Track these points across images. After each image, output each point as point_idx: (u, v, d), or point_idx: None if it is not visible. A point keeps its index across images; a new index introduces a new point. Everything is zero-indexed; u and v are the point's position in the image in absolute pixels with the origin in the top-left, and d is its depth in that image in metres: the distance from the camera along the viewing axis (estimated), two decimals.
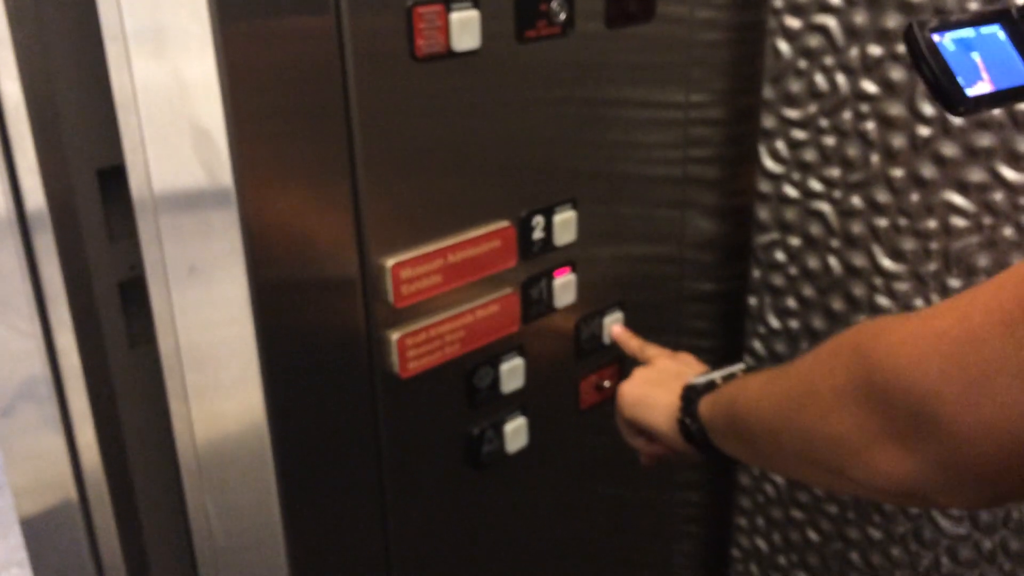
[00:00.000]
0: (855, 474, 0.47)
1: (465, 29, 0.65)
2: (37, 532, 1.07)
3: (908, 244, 0.84)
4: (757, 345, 0.98)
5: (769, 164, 0.91)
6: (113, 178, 0.79)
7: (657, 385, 0.73)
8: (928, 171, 0.81)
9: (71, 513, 0.95)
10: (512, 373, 0.78)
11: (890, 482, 0.45)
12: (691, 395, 0.68)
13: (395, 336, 0.69)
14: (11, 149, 0.79)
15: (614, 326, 0.84)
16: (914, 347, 0.43)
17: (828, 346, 0.50)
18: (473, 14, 0.66)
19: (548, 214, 0.76)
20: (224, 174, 0.59)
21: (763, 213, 0.93)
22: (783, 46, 0.86)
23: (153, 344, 0.81)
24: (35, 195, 0.77)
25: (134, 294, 0.83)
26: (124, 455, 0.87)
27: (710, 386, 0.69)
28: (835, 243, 0.89)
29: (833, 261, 0.90)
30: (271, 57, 0.58)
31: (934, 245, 0.83)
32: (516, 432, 0.80)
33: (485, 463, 0.79)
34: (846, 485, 0.49)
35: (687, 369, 0.75)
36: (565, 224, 0.78)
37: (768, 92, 0.89)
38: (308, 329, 0.65)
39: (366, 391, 0.70)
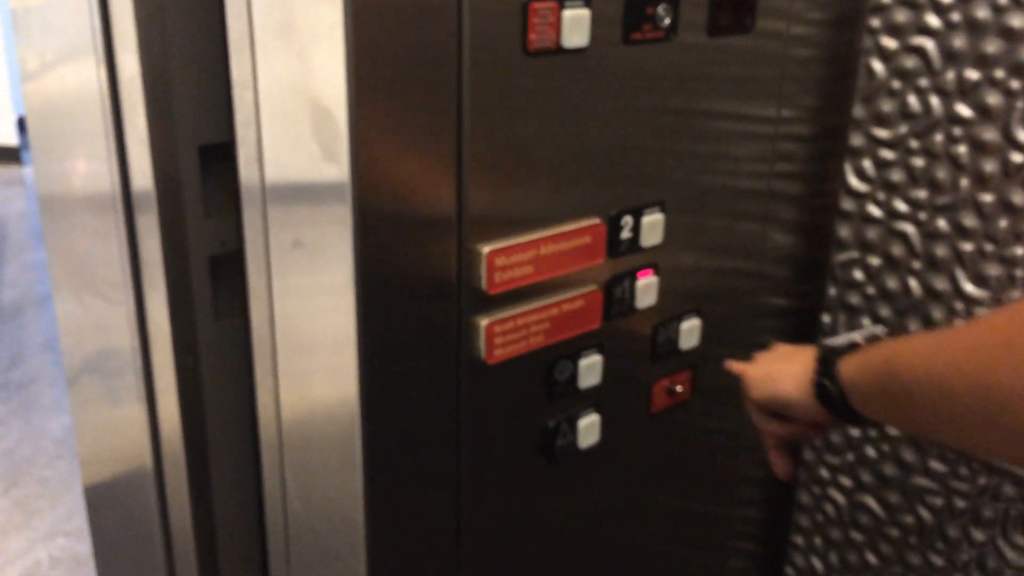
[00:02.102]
0: None
1: (576, 27, 0.67)
2: (101, 501, 1.10)
3: (993, 270, 0.84)
4: None
5: (853, 182, 0.91)
6: (213, 155, 0.81)
7: (783, 359, 0.73)
8: (1019, 197, 0.81)
9: (143, 483, 0.98)
10: (590, 369, 0.79)
11: None
12: (830, 356, 0.67)
13: (484, 322, 0.70)
14: (122, 122, 0.82)
15: (732, 363, 0.82)
16: None
17: (1017, 303, 0.48)
18: (584, 12, 0.67)
19: (637, 215, 0.78)
20: (342, 153, 0.61)
21: (844, 231, 0.93)
22: (877, 66, 0.87)
23: (237, 318, 0.83)
24: (142, 167, 0.80)
25: (223, 268, 0.86)
26: (204, 426, 0.90)
27: (851, 347, 0.67)
28: (917, 265, 0.89)
29: (913, 283, 0.90)
30: (394, 40, 0.60)
31: (1020, 272, 0.83)
32: (589, 428, 0.81)
33: (558, 456, 0.80)
34: (1017, 449, 0.47)
35: (808, 348, 0.74)
36: (653, 226, 0.79)
37: (859, 111, 0.89)
38: (404, 311, 0.67)
39: (452, 375, 0.71)
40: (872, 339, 0.68)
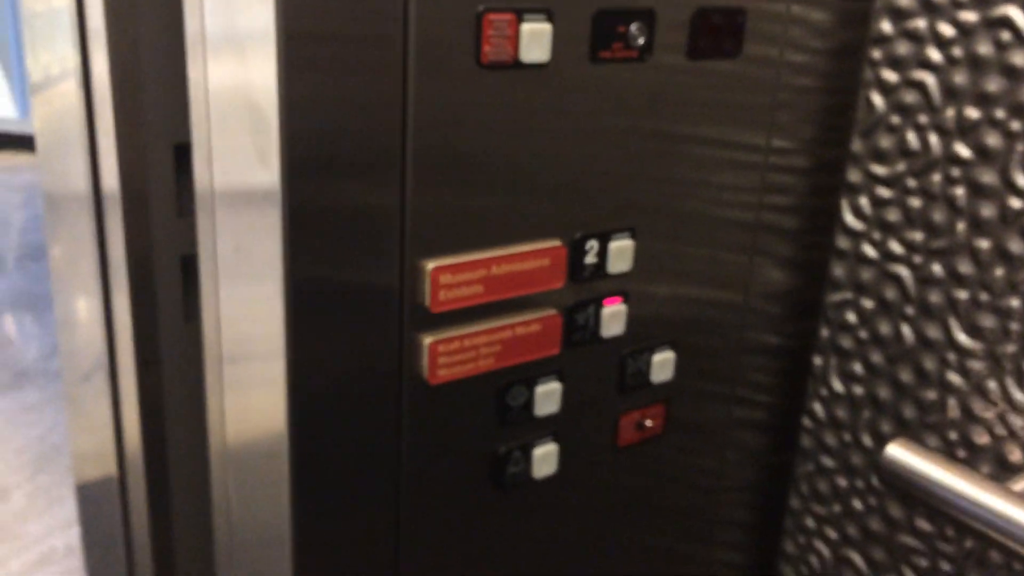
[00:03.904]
0: None
1: (535, 41, 0.65)
2: (85, 499, 1.11)
3: (987, 321, 0.79)
4: (817, 407, 0.94)
5: (850, 220, 0.87)
6: (188, 154, 0.81)
7: None
8: (1016, 246, 0.76)
9: (109, 485, 0.97)
10: (548, 396, 0.76)
11: None
12: None
13: (427, 340, 0.68)
14: (93, 117, 0.82)
15: None
16: None
17: None
18: (545, 27, 0.65)
19: (603, 239, 0.75)
20: (273, 157, 0.59)
21: (838, 270, 0.89)
22: (877, 99, 0.83)
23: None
24: (110, 164, 0.80)
25: (195, 269, 0.85)
26: (163, 430, 0.89)
27: None
28: (910, 310, 0.84)
29: (906, 329, 0.85)
30: (331, 43, 0.58)
31: (1015, 326, 0.78)
32: (545, 457, 0.78)
33: (509, 484, 0.77)
34: None
35: None
36: (621, 252, 0.76)
37: (857, 145, 0.85)
38: (339, 325, 0.65)
39: (392, 393, 0.69)
40: None
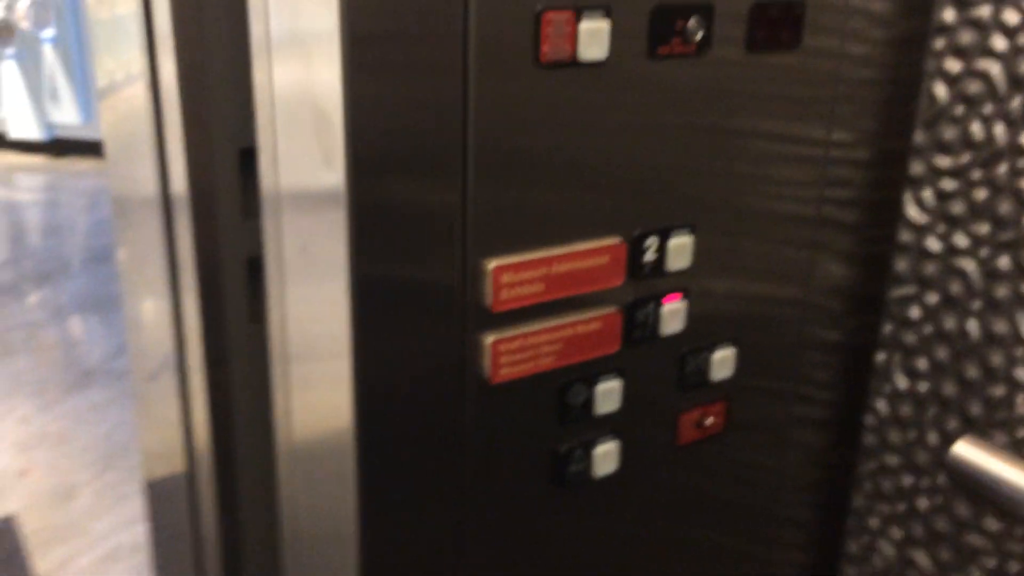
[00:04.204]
0: None
1: (594, 39, 0.65)
2: (154, 497, 1.13)
3: None
4: (881, 405, 0.92)
5: (913, 214, 0.86)
6: (252, 158, 0.82)
7: None
8: None
9: (178, 484, 1.00)
10: (608, 395, 0.76)
11: None
12: None
13: (489, 340, 0.68)
14: (162, 123, 0.84)
15: None
16: None
17: None
18: (604, 24, 0.65)
19: (663, 236, 0.75)
20: (338, 160, 0.60)
21: (901, 265, 0.88)
22: (940, 90, 0.81)
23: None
24: (178, 168, 0.82)
25: (261, 270, 0.87)
26: (232, 431, 0.91)
27: None
28: (976, 305, 0.83)
29: (972, 324, 0.83)
30: (394, 46, 0.59)
31: None
32: (606, 456, 0.78)
33: (570, 483, 0.77)
34: None
35: None
36: (680, 249, 0.76)
37: (920, 137, 0.84)
38: (402, 324, 0.66)
39: (455, 392, 0.70)
40: None
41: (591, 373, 0.75)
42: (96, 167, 5.04)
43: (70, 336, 3.18)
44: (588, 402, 0.76)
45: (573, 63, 0.65)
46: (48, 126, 5.16)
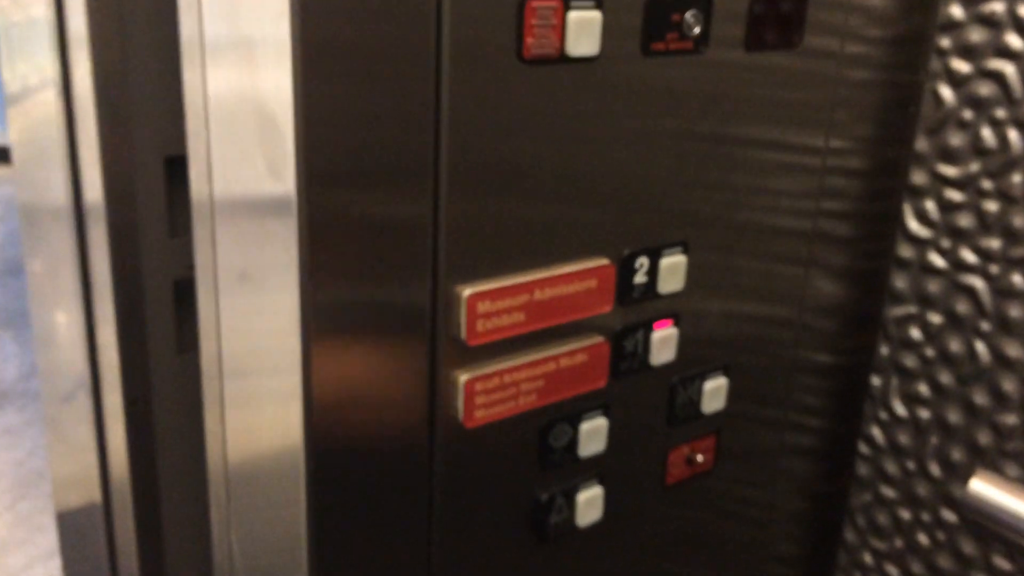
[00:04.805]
0: None
1: (584, 31, 0.56)
2: (66, 529, 1.02)
3: None
4: (876, 432, 0.85)
5: (913, 226, 0.79)
6: (182, 168, 0.72)
7: None
8: None
9: (93, 516, 0.89)
10: (593, 435, 0.68)
11: None
12: None
13: (463, 378, 0.59)
14: (75, 128, 0.73)
15: None
16: None
17: None
18: (595, 15, 0.56)
19: (654, 256, 0.66)
20: (287, 168, 0.50)
21: (900, 282, 0.81)
22: (946, 92, 0.75)
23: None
24: (93, 176, 0.71)
25: (190, 294, 0.76)
26: (154, 465, 0.80)
27: None
28: (986, 326, 0.76)
29: (981, 347, 0.77)
30: (355, 37, 0.49)
31: None
32: (590, 503, 0.69)
33: (552, 534, 0.68)
34: None
35: None
36: (672, 269, 0.67)
37: (922, 144, 0.77)
38: (363, 357, 0.56)
39: (423, 436, 0.60)
40: None
41: (575, 411, 0.66)
42: (10, 175, 4.81)
43: None
44: (572, 443, 0.67)
45: (561, 59, 0.56)
46: None
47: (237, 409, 0.63)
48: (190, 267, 0.75)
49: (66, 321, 0.85)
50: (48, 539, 2.10)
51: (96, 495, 0.87)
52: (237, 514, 0.67)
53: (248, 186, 0.55)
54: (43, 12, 0.71)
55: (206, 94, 0.57)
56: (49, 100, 0.75)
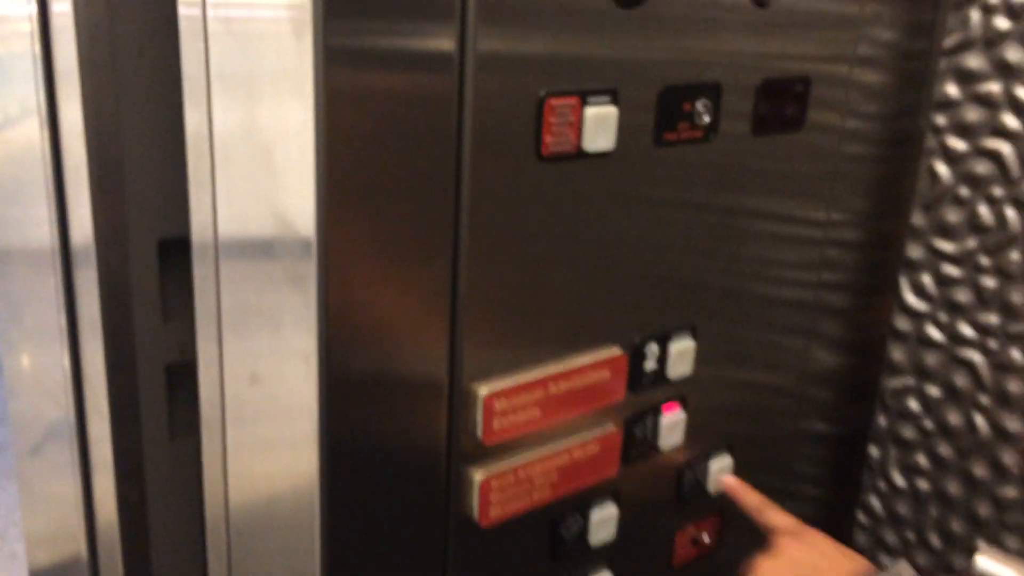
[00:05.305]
0: None
1: (600, 128, 0.56)
2: None
3: None
4: (874, 502, 0.85)
5: (910, 299, 0.79)
6: (174, 251, 0.70)
7: (807, 569, 0.61)
8: None
9: (77, 569, 0.85)
10: (603, 523, 0.67)
11: None
12: None
13: (479, 476, 0.58)
14: (66, 209, 0.71)
15: (726, 477, 0.72)
16: None
17: None
18: (611, 110, 0.56)
19: (663, 341, 0.66)
20: (309, 280, 0.49)
21: (897, 354, 0.81)
22: (942, 169, 0.75)
23: (195, 435, 0.71)
24: (88, 261, 0.69)
25: (181, 378, 0.74)
26: (148, 549, 0.77)
27: None
28: (984, 400, 0.77)
29: (980, 420, 0.77)
30: (377, 143, 0.48)
31: None
32: None
33: None
34: None
35: (827, 564, 0.62)
36: (682, 355, 0.67)
37: (918, 219, 0.78)
38: (380, 455, 0.55)
39: (438, 536, 0.59)
40: None
41: (586, 500, 0.65)
42: None
43: None
44: (583, 532, 0.66)
45: (578, 155, 0.55)
46: None
47: (245, 520, 0.61)
48: (183, 351, 0.73)
49: (36, 365, 0.82)
50: None
51: (75, 548, 0.84)
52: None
53: (261, 291, 0.53)
54: (27, 46, 0.68)
55: (214, 187, 0.56)
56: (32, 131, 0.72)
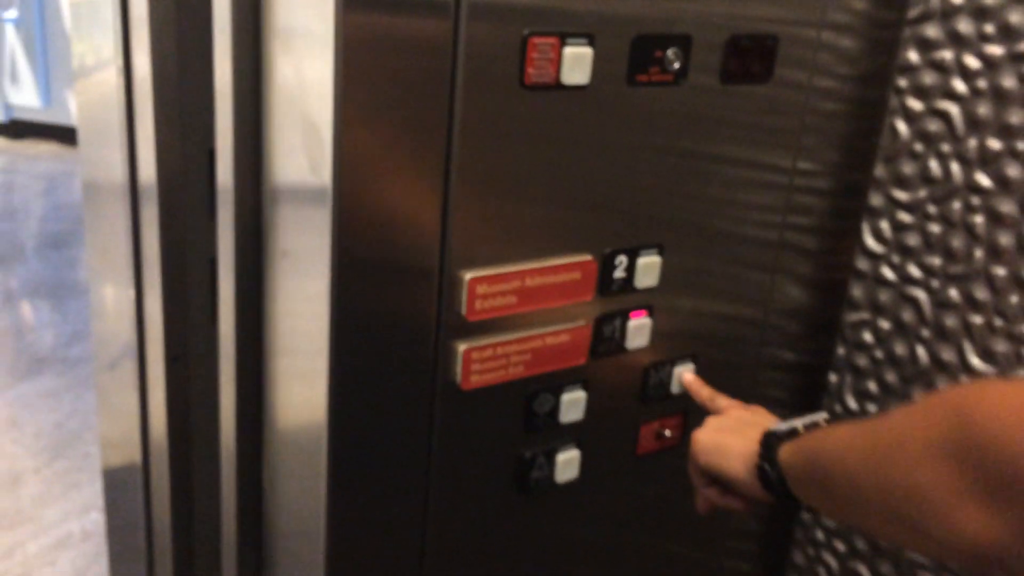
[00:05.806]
0: (936, 532, 0.46)
1: (577, 64, 0.68)
2: (111, 484, 1.13)
3: (1000, 345, 0.82)
4: None
5: (871, 243, 0.90)
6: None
7: (733, 432, 0.72)
8: None
9: (137, 473, 1.00)
10: (573, 404, 0.79)
11: (971, 544, 0.45)
12: (771, 441, 0.67)
13: (462, 347, 0.71)
14: (133, 120, 0.84)
15: (685, 373, 0.84)
16: (1018, 410, 0.43)
17: (925, 401, 0.49)
18: (586, 51, 0.68)
19: (632, 255, 0.77)
20: (325, 168, 0.62)
21: (856, 291, 0.92)
22: (901, 127, 0.85)
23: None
24: (148, 165, 0.83)
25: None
26: (189, 425, 0.91)
27: (792, 433, 0.67)
28: (926, 333, 0.87)
29: (921, 351, 0.87)
30: (386, 64, 0.61)
31: None
32: (568, 463, 0.81)
33: (532, 489, 0.80)
34: (926, 544, 0.48)
35: (761, 419, 0.74)
36: (648, 268, 0.79)
37: (880, 171, 0.88)
38: (381, 327, 0.68)
39: (426, 396, 0.72)
40: (812, 426, 0.68)
41: (558, 383, 0.78)
42: (54, 151, 4.96)
43: (22, 322, 3.14)
44: (554, 410, 0.78)
45: (557, 86, 0.67)
46: (7, 107, 5.08)
47: (273, 376, 0.75)
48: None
49: (117, 292, 0.97)
50: (83, 496, 2.24)
51: (137, 456, 0.99)
52: (268, 478, 0.78)
53: (291, 180, 0.67)
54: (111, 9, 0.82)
55: (260, 92, 0.69)
56: (109, 81, 0.85)
